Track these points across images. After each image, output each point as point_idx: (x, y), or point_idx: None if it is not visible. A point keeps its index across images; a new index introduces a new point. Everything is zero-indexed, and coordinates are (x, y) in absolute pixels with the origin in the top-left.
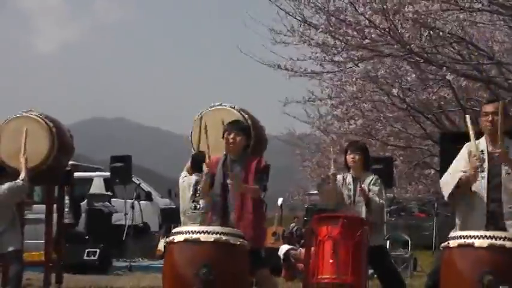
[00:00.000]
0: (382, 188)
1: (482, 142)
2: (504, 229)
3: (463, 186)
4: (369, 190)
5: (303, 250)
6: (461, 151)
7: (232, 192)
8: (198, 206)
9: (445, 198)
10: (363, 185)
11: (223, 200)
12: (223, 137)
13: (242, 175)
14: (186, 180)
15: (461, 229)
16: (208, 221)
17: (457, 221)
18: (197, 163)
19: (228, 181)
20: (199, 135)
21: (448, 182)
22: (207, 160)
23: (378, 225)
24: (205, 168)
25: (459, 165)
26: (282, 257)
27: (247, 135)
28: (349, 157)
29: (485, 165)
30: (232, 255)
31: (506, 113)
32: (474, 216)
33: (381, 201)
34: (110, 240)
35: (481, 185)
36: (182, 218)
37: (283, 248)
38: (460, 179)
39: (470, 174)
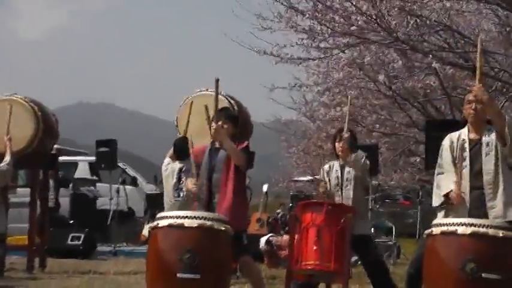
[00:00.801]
0: (365, 161)
1: (464, 131)
2: (486, 216)
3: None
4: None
5: (285, 237)
6: (443, 143)
7: (217, 177)
8: (182, 194)
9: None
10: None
11: (208, 187)
12: (209, 123)
13: (226, 160)
14: (169, 168)
15: (444, 217)
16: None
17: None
18: (180, 149)
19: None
20: (187, 120)
21: (438, 192)
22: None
23: (363, 213)
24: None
25: (446, 161)
26: (263, 247)
27: (235, 124)
28: (338, 145)
29: (467, 154)
30: (216, 240)
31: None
32: (457, 205)
33: (366, 163)
34: (95, 225)
35: (464, 174)
36: (166, 206)
37: (263, 240)
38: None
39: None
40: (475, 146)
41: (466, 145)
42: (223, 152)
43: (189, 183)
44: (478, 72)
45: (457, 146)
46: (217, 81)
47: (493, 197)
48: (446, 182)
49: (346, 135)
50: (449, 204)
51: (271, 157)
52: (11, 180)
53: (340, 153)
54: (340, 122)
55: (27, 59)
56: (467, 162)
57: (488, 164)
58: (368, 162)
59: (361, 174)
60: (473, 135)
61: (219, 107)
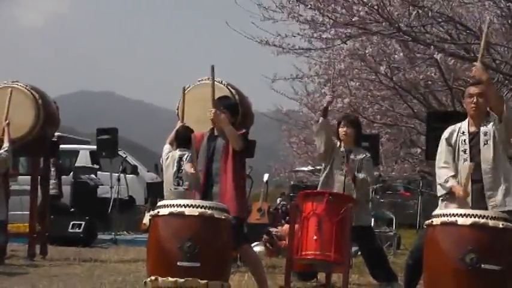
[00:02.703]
0: (371, 167)
1: (465, 124)
2: (486, 209)
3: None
4: (361, 165)
5: (286, 227)
6: (442, 136)
7: (216, 166)
8: (181, 182)
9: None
10: (351, 157)
11: (206, 173)
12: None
13: (225, 147)
14: (170, 156)
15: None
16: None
17: (440, 202)
18: (182, 138)
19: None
20: (183, 108)
21: (440, 182)
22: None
23: (364, 204)
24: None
25: (445, 154)
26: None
27: (234, 112)
28: (342, 130)
29: (467, 147)
30: (217, 229)
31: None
32: (458, 198)
33: (369, 179)
34: (95, 213)
35: (463, 168)
36: (165, 194)
37: None
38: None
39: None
40: (474, 138)
41: (466, 138)
42: (221, 141)
43: (188, 166)
44: (481, 48)
45: (457, 139)
46: (212, 68)
47: (492, 186)
48: (446, 171)
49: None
50: (453, 194)
51: (272, 146)
52: (12, 168)
53: (343, 138)
54: (342, 112)
55: (28, 46)
56: (467, 155)
57: (486, 154)
58: (370, 161)
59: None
60: (473, 128)
61: (220, 95)
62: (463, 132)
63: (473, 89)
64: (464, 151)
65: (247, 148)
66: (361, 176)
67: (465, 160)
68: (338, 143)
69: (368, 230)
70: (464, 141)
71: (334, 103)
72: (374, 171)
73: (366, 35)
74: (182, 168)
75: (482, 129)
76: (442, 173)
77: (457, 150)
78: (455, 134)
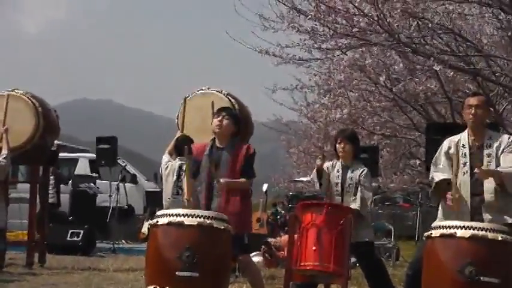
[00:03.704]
0: (370, 181)
1: (464, 135)
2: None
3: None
4: (359, 182)
5: (284, 237)
6: (441, 146)
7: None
8: (181, 191)
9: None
10: (348, 175)
11: (208, 185)
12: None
13: (230, 163)
14: (170, 166)
15: (444, 218)
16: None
17: (440, 214)
18: (182, 147)
19: (215, 184)
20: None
21: (432, 180)
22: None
23: (365, 219)
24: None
25: (443, 164)
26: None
27: (236, 122)
28: (339, 146)
29: (467, 160)
30: (216, 239)
31: (487, 106)
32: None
33: (368, 209)
34: (94, 222)
35: (464, 181)
36: (164, 203)
37: None
38: (436, 183)
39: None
40: (474, 150)
41: (467, 152)
42: (226, 155)
43: (184, 195)
44: None
45: (456, 150)
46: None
47: (491, 200)
48: (438, 174)
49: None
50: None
51: (271, 156)
52: (11, 176)
53: (341, 154)
54: (341, 123)
55: (28, 54)
56: (467, 168)
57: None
58: (369, 175)
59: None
60: (472, 140)
61: (221, 105)
62: (463, 145)
63: (472, 100)
64: (464, 164)
65: (252, 165)
66: (355, 205)
67: (465, 173)
68: (334, 162)
69: (368, 245)
70: (465, 154)
71: (334, 114)
72: (373, 182)
73: (366, 45)
74: (181, 177)
75: (486, 151)
76: (434, 174)
77: (456, 163)
78: (453, 146)
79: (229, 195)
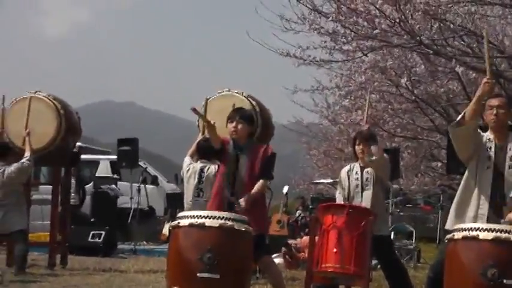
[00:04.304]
0: (386, 170)
1: (488, 134)
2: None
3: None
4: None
5: (305, 239)
6: None
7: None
8: (202, 194)
9: (451, 126)
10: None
11: (232, 187)
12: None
13: (249, 166)
14: (191, 169)
15: (457, 216)
16: (213, 199)
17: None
18: (204, 150)
19: (237, 207)
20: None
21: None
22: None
23: (382, 214)
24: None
25: None
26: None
27: (251, 123)
28: (358, 148)
29: (492, 154)
30: (237, 241)
31: (509, 108)
32: (475, 205)
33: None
34: (115, 223)
35: (485, 176)
36: (186, 206)
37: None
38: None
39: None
40: (498, 151)
41: (492, 146)
42: (244, 158)
43: None
44: (487, 63)
45: (484, 142)
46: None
47: None
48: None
49: (366, 126)
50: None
51: (291, 158)
52: (33, 177)
53: (360, 155)
54: (362, 125)
55: (51, 57)
56: (491, 163)
57: (510, 177)
58: (388, 161)
59: (382, 174)
60: (496, 141)
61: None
62: (489, 139)
63: (493, 101)
64: (489, 158)
65: (272, 166)
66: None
67: (488, 167)
68: (352, 165)
69: (386, 240)
70: (490, 148)
71: (354, 116)
72: (392, 183)
73: (387, 47)
74: (203, 180)
75: (509, 153)
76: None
77: (482, 152)
78: (482, 137)
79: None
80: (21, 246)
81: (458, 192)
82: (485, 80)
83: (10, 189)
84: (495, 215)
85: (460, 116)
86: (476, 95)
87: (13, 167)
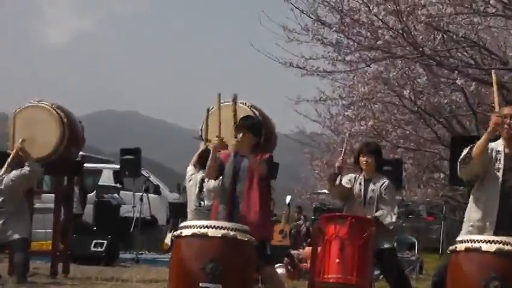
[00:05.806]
0: (392, 194)
1: (499, 144)
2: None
3: (476, 149)
4: (380, 194)
5: (307, 249)
6: None
7: (241, 185)
8: (203, 203)
9: (458, 162)
10: (369, 187)
11: (232, 193)
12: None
13: (249, 169)
14: (193, 179)
15: (468, 227)
16: (214, 210)
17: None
18: (205, 160)
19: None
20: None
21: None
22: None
23: (386, 228)
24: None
25: None
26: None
27: (256, 133)
28: (362, 159)
29: (501, 166)
30: (240, 250)
31: None
32: (485, 213)
33: (392, 220)
34: (118, 232)
35: (495, 185)
36: (189, 216)
37: None
38: (471, 147)
39: (488, 131)
40: (508, 160)
41: (502, 158)
42: (246, 161)
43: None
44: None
45: (492, 155)
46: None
47: None
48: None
49: (338, 163)
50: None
51: (293, 168)
52: (36, 186)
53: (364, 167)
54: (365, 136)
55: (55, 65)
56: (500, 174)
57: None
58: (391, 188)
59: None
60: (508, 150)
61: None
62: (498, 151)
63: (506, 110)
64: (498, 170)
65: (271, 170)
66: (379, 213)
67: (498, 179)
68: (357, 176)
69: (390, 252)
70: (500, 160)
71: (357, 126)
72: (396, 195)
73: (390, 58)
74: (203, 190)
75: None
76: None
77: (491, 166)
78: (489, 150)
79: (248, 205)
80: (20, 255)
81: (468, 207)
82: (495, 116)
83: (10, 197)
84: (505, 224)
85: (466, 151)
86: (487, 132)
87: (12, 174)
